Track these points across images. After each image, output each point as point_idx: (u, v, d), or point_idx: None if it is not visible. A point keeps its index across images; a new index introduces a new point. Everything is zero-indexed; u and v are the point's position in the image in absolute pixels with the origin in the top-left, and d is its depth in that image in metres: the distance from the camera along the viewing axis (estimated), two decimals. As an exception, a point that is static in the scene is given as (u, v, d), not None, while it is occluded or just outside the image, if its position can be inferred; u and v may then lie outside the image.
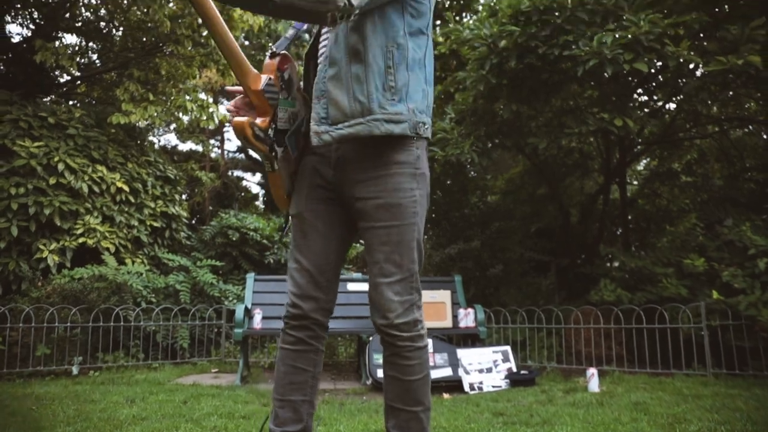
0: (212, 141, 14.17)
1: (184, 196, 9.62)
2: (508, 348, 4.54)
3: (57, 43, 8.08)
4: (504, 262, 6.73)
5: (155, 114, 6.50)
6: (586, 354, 5.05)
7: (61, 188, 5.84)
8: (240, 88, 1.55)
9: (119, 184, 6.27)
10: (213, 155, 14.17)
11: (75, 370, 4.78)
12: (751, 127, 7.75)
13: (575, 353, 5.14)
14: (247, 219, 7.37)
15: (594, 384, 3.91)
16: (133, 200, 6.48)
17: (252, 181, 16.14)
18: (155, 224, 6.69)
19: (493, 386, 4.21)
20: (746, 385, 3.94)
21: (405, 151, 1.53)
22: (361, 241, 1.74)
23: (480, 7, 5.53)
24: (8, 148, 5.68)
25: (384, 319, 1.52)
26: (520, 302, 6.23)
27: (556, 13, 4.33)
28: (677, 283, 4.92)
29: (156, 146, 10.01)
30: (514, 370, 4.42)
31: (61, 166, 5.78)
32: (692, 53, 4.29)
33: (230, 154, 15.11)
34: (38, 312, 4.86)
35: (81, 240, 5.80)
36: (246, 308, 4.69)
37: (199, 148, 13.57)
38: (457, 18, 6.22)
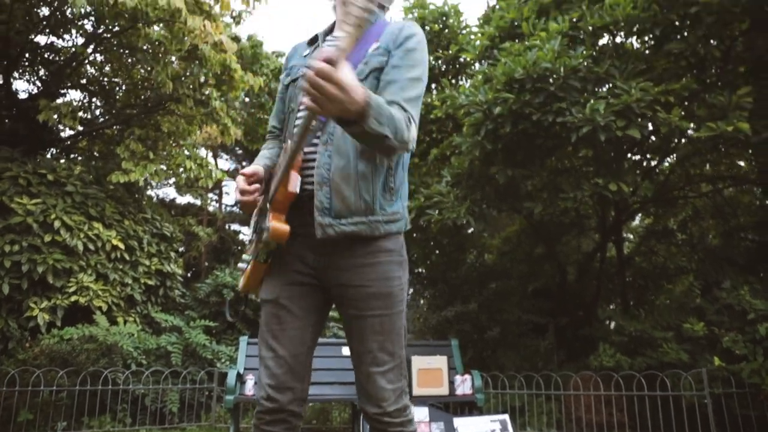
0: (210, 195, 14.25)
1: (181, 248, 9.57)
2: (506, 417, 4.40)
3: (61, 99, 8.25)
4: (502, 324, 6.64)
5: (154, 172, 6.55)
6: (586, 421, 4.91)
7: (56, 245, 5.81)
8: (253, 170, 1.57)
9: (115, 242, 6.24)
10: (211, 209, 14.22)
11: (58, 436, 4.62)
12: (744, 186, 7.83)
13: (575, 420, 4.99)
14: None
15: (596, 457, 3.77)
16: (128, 258, 6.44)
17: (249, 235, 16.12)
18: (149, 282, 6.62)
19: (492, 457, 4.06)
20: (753, 459, 3.81)
21: (392, 239, 1.56)
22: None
23: (475, 69, 5.66)
24: (5, 205, 5.68)
25: (377, 407, 1.52)
26: (519, 365, 6.11)
27: (550, 80, 4.42)
28: (677, 348, 4.84)
29: (154, 199, 10.01)
30: (513, 439, 4.27)
31: (57, 224, 5.77)
32: (683, 117, 4.37)
33: (228, 208, 15.17)
34: (23, 374, 4.73)
35: (73, 298, 5.72)
36: (238, 373, 4.57)
37: (198, 201, 13.63)
38: (453, 81, 6.36)
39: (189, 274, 12.54)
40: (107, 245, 6.21)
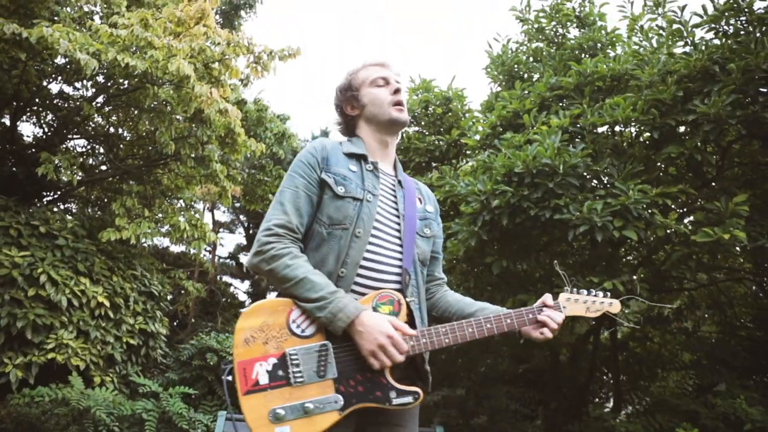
0: (205, 246, 14.13)
1: (169, 297, 9.37)
2: None
3: (63, 146, 8.29)
4: (490, 411, 6.42)
5: (148, 230, 6.50)
6: None
7: (39, 300, 5.69)
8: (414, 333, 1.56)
9: (100, 299, 6.11)
10: (204, 258, 14.08)
11: None
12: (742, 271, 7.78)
13: None
14: (227, 342, 7.13)
15: None
16: (112, 315, 6.30)
17: (240, 289, 15.95)
18: (132, 341, 6.45)
19: None
20: None
21: None
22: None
23: (476, 154, 5.71)
24: (-7, 257, 5.60)
25: None
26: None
27: (550, 176, 4.44)
28: (671, 455, 4.66)
29: (147, 244, 9.81)
30: None
31: (43, 278, 5.67)
32: (679, 222, 4.37)
33: (221, 260, 15.05)
34: (-13, 440, 4.52)
35: (50, 355, 5.55)
36: (212, 453, 4.37)
37: (191, 250, 13.49)
38: (454, 161, 6.42)
39: (176, 323, 12.27)
40: (92, 302, 6.09)
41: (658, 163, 4.82)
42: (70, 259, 6.15)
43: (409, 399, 1.46)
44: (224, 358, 6.88)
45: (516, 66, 5.93)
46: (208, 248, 14.18)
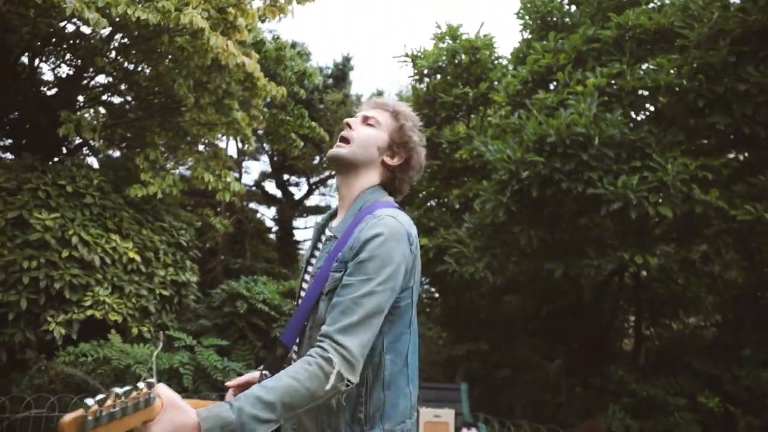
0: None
1: (198, 224, 9.51)
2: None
3: (81, 98, 8.15)
4: (513, 364, 6.58)
5: (173, 183, 6.50)
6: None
7: (73, 260, 5.83)
8: (246, 379, 1.51)
9: (131, 254, 6.25)
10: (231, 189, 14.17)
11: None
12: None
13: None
14: (256, 287, 7.31)
15: None
16: (144, 269, 6.46)
17: (267, 216, 16.18)
18: (164, 293, 6.65)
19: None
20: None
21: None
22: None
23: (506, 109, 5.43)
24: (24, 220, 5.70)
25: None
26: (527, 400, 6.09)
27: (584, 147, 4.22)
28: (690, 419, 4.76)
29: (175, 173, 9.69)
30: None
31: (75, 239, 5.78)
32: (720, 196, 4.16)
33: (247, 188, 15.14)
34: (38, 400, 4.83)
35: (89, 312, 5.78)
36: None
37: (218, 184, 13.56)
38: (482, 108, 6.15)
39: (206, 247, 12.56)
40: (124, 257, 6.23)
41: (701, 126, 4.51)
42: (99, 217, 6.23)
43: None
44: (253, 306, 7.09)
45: (550, 12, 5.46)
46: (236, 174, 14.25)
